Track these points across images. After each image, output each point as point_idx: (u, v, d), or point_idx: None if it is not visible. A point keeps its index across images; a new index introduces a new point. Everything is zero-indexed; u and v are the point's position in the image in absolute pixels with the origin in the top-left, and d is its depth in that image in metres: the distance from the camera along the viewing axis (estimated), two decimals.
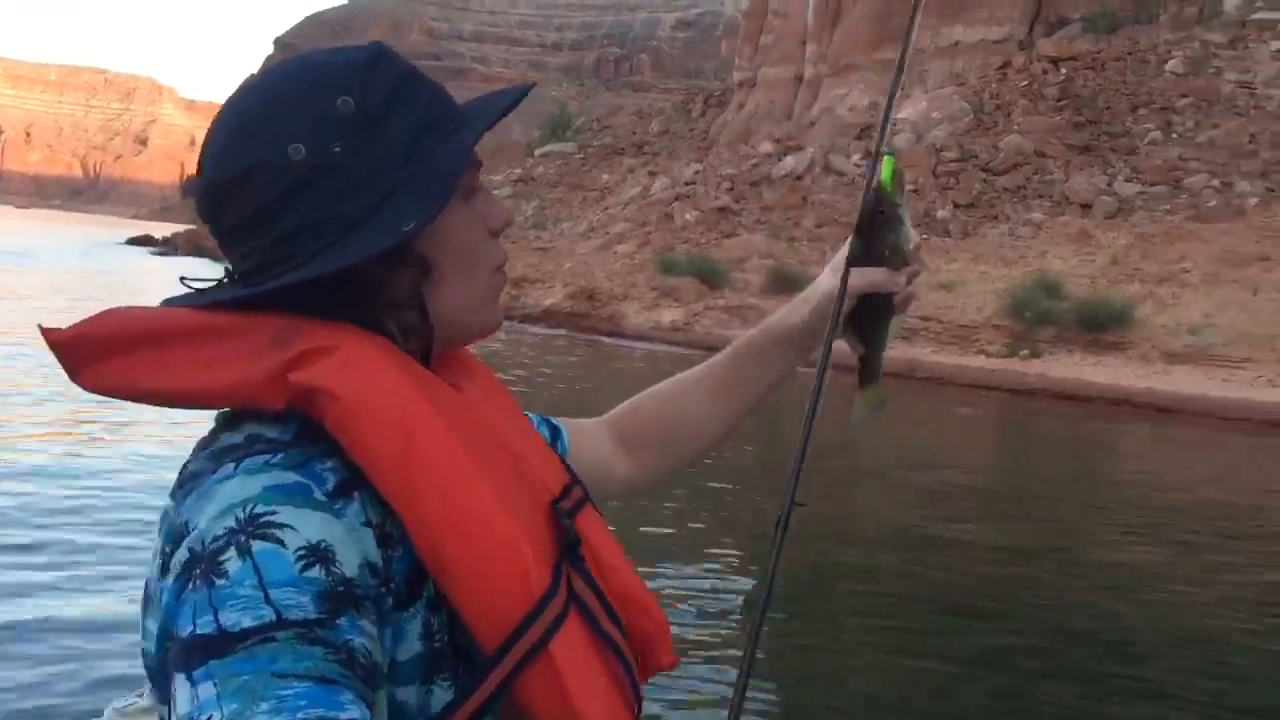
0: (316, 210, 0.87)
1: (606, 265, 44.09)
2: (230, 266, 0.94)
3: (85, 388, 0.86)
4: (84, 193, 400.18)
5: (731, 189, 51.45)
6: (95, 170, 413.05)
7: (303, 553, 0.75)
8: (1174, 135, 44.55)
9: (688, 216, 49.56)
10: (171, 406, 0.86)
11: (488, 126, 0.94)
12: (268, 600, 0.72)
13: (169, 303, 0.94)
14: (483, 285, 0.99)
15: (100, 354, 0.85)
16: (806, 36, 72.68)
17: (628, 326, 36.26)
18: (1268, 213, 36.64)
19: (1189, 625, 8.24)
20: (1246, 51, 48.80)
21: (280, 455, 0.82)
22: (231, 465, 0.82)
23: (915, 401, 21.88)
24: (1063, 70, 51.52)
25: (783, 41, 74.72)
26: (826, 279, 1.36)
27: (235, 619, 0.71)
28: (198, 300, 0.92)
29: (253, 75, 1.00)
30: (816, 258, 41.56)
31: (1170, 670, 7.16)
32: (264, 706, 0.68)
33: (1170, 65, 49.35)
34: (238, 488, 0.79)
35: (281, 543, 0.74)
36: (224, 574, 0.73)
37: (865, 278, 1.28)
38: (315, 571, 0.74)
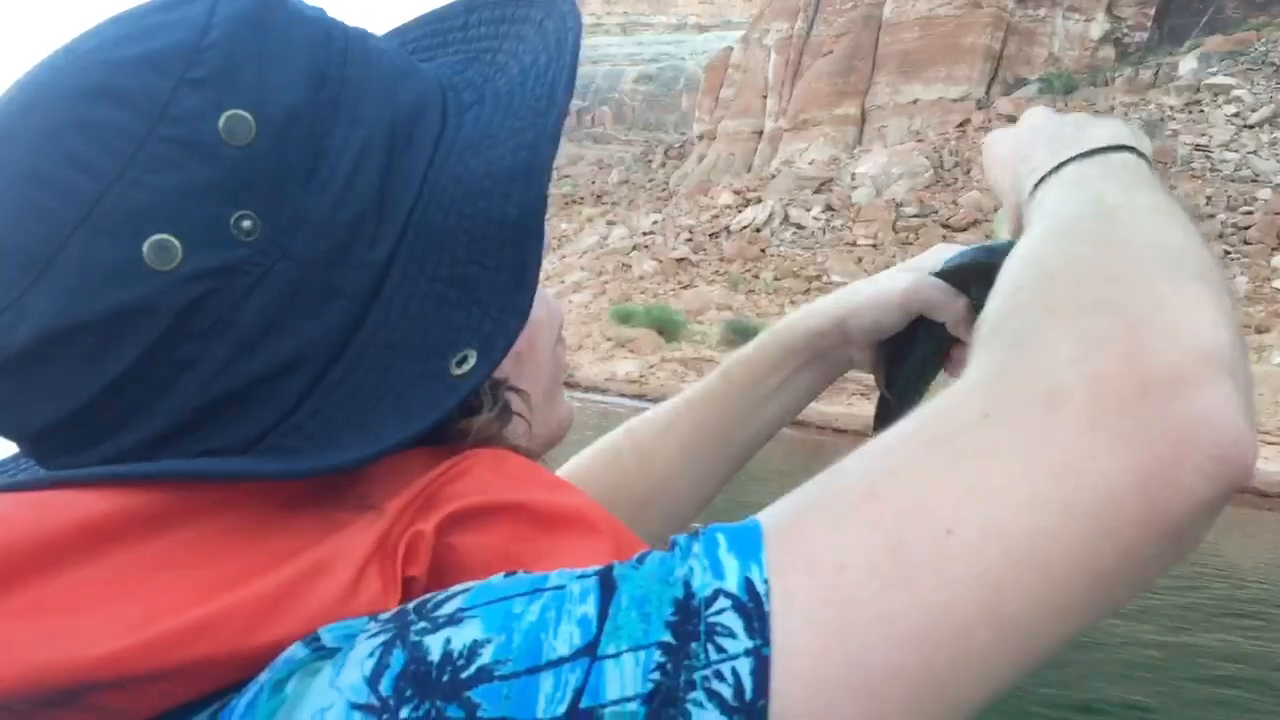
0: (229, 362, 0.47)
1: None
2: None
3: None
4: None
5: (690, 239, 51.10)
6: None
7: None
8: None
9: (645, 266, 49.10)
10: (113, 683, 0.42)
11: (564, 105, 0.52)
12: None
13: None
14: (547, 375, 0.62)
15: None
16: (767, 91, 73.07)
17: (581, 378, 35.36)
18: (1225, 274, 36.63)
19: None
20: (1201, 115, 49.36)
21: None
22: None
23: None
24: None
25: (743, 95, 75.04)
26: (892, 275, 0.90)
27: None
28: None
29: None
30: (775, 310, 41.04)
31: None
32: None
33: None
34: None
35: None
36: None
37: (931, 293, 0.85)
38: None
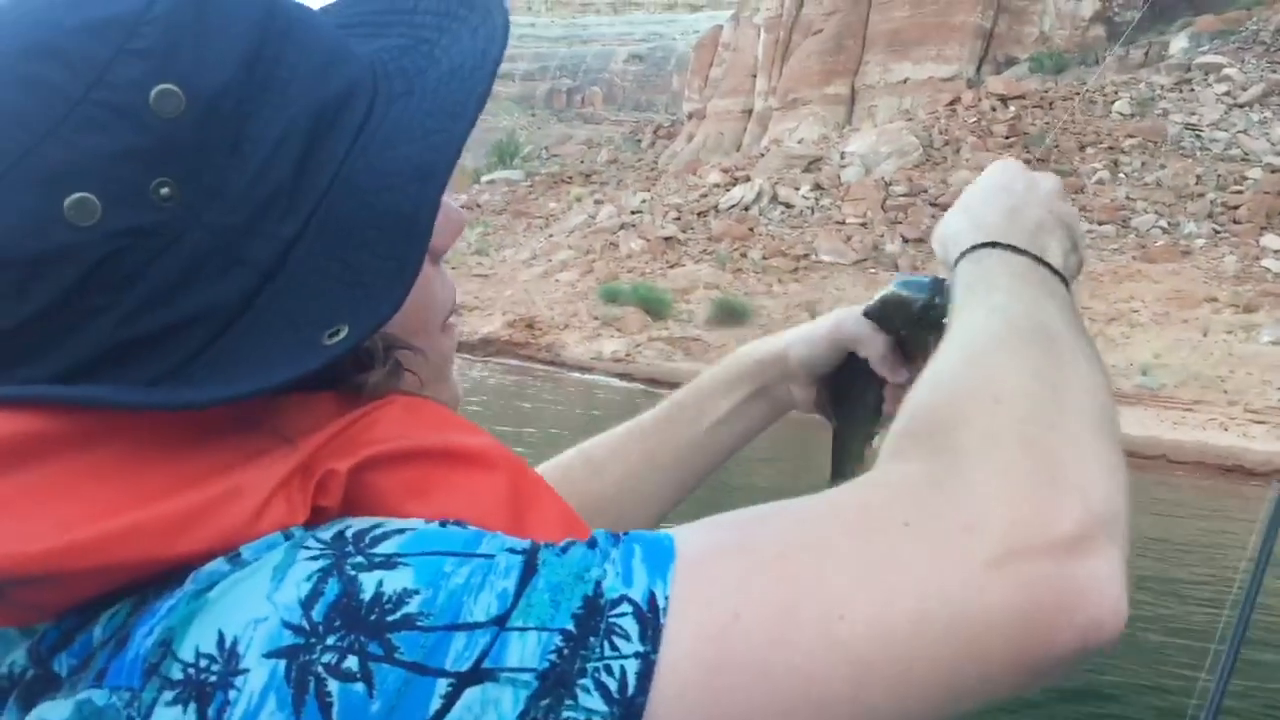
0: (138, 312, 0.50)
1: (548, 294, 42.96)
2: None
3: None
4: None
5: (678, 218, 50.72)
6: None
7: None
8: (1121, 175, 44.51)
9: (633, 245, 48.73)
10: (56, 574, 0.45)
11: (473, 118, 0.55)
12: None
13: None
14: (436, 353, 0.62)
15: None
16: (756, 70, 72.57)
17: (568, 356, 35.12)
18: (1215, 253, 36.52)
19: None
20: (1192, 94, 49.09)
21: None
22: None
23: None
24: (1011, 108, 51.50)
25: (733, 74, 74.55)
26: (829, 313, 0.96)
27: None
28: None
29: None
30: (763, 289, 40.78)
31: None
32: None
33: (1117, 106, 49.51)
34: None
35: None
36: None
37: (853, 328, 0.91)
38: None
